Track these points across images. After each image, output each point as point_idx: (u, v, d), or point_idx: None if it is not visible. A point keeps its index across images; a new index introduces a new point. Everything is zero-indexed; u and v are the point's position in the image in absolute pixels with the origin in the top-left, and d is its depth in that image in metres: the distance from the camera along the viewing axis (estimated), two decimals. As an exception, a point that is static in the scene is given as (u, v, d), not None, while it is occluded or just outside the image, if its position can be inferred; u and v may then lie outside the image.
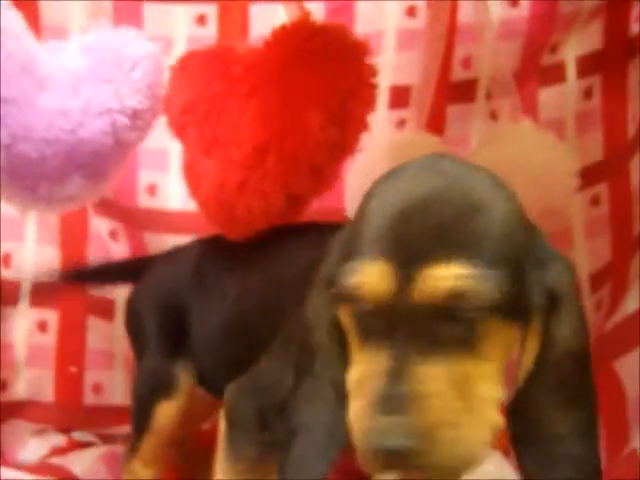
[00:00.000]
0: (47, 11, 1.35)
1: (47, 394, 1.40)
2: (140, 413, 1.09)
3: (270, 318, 0.91)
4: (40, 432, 1.39)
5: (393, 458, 0.63)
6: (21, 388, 1.40)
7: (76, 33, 1.34)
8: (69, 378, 1.40)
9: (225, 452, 0.91)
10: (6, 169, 0.92)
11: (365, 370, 0.66)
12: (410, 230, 0.65)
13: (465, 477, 0.90)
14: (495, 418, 0.66)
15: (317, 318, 0.74)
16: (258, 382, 0.88)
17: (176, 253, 1.17)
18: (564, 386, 0.69)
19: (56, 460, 1.31)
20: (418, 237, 0.65)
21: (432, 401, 0.63)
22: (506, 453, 1.27)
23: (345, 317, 0.70)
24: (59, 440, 1.37)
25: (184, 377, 1.06)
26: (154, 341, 1.09)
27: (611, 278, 1.35)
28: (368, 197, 0.71)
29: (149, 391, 1.08)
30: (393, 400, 0.63)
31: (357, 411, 0.66)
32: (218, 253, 1.10)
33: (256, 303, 0.98)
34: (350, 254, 0.68)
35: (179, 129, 1.07)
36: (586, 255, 1.37)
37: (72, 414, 1.40)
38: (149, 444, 1.08)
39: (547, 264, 0.69)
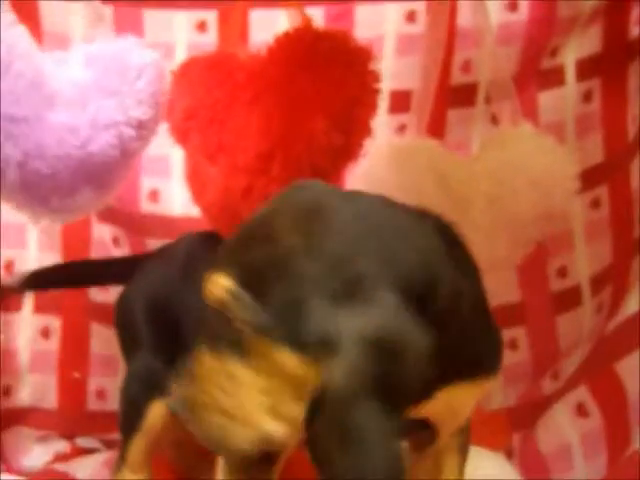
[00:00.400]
0: (48, 17, 1.34)
1: (50, 400, 1.40)
2: (131, 413, 1.06)
3: None
4: (43, 438, 1.38)
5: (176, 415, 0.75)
6: (24, 394, 1.40)
7: (77, 39, 1.33)
8: (72, 384, 1.40)
9: None
10: (18, 185, 0.93)
11: None
12: (224, 246, 0.76)
13: (468, 478, 0.92)
14: (258, 422, 0.70)
15: None
16: None
17: (165, 250, 1.15)
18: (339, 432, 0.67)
19: (60, 466, 1.31)
20: (223, 252, 0.75)
21: (203, 383, 0.73)
22: (508, 454, 1.29)
23: None
24: (63, 446, 1.37)
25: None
26: (146, 339, 1.07)
27: (612, 280, 1.35)
28: None
29: (141, 390, 1.05)
30: (181, 370, 0.75)
31: None
32: (207, 249, 1.07)
33: None
34: None
35: (182, 135, 1.07)
36: (587, 258, 1.37)
37: (76, 420, 1.40)
38: (138, 447, 1.06)
39: (338, 306, 0.68)
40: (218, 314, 0.72)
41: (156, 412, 1.04)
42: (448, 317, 0.72)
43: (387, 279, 0.68)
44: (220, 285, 0.71)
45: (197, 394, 0.73)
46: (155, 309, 1.08)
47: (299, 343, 0.68)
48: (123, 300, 1.14)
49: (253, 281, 0.70)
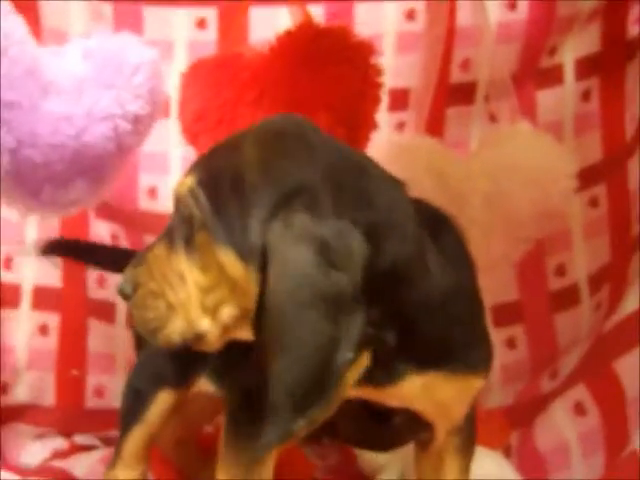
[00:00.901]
0: (48, 14, 1.34)
1: (48, 397, 1.39)
2: (134, 403, 1.04)
3: None
4: (41, 435, 1.37)
5: (124, 300, 0.80)
6: (22, 391, 1.39)
7: (77, 36, 1.31)
8: (70, 381, 1.39)
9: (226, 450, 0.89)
10: (10, 173, 0.91)
11: None
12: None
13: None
14: (195, 319, 0.75)
15: None
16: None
17: None
18: (275, 333, 0.70)
19: (58, 463, 1.29)
20: (198, 159, 0.80)
21: (154, 272, 0.77)
22: (506, 453, 1.28)
23: None
24: (60, 443, 1.36)
25: (192, 368, 1.03)
26: None
27: (610, 279, 1.35)
28: None
29: (148, 379, 1.04)
30: (137, 259, 0.80)
31: None
32: None
33: None
34: None
35: (192, 137, 1.08)
36: (585, 256, 1.37)
37: (74, 417, 1.39)
38: (136, 439, 1.04)
39: (279, 212, 0.71)
40: (178, 212, 0.77)
41: (160, 403, 1.03)
42: (392, 281, 0.72)
43: (329, 196, 0.71)
44: (184, 184, 0.76)
45: (147, 280, 0.78)
46: None
47: (241, 249, 0.71)
48: None
49: (211, 184, 0.74)
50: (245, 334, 0.75)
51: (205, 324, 0.75)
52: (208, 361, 1.00)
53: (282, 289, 0.69)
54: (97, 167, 0.95)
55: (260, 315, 0.71)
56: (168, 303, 0.76)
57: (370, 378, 0.75)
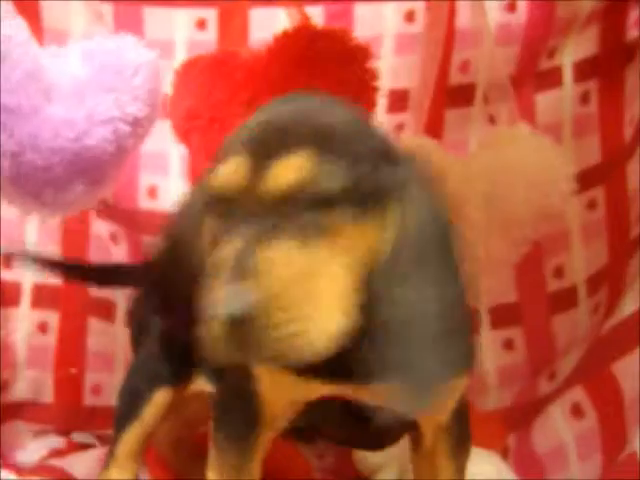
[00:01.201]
0: (48, 14, 1.34)
1: (47, 395, 1.39)
2: (131, 401, 1.03)
3: None
4: (39, 433, 1.37)
5: (233, 327, 0.63)
6: (21, 389, 1.38)
7: (77, 36, 1.33)
8: (69, 379, 1.38)
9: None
10: (11, 177, 0.92)
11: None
12: (269, 132, 0.70)
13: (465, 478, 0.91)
14: (339, 317, 0.67)
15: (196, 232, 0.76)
16: None
17: None
18: (418, 269, 0.70)
19: (55, 462, 1.28)
20: (274, 136, 0.70)
21: (277, 277, 0.64)
22: (504, 454, 1.28)
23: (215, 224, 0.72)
24: (58, 442, 1.36)
25: (189, 366, 1.02)
26: (157, 329, 1.03)
27: (608, 281, 1.34)
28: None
29: (146, 377, 1.03)
30: (237, 272, 0.64)
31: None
32: None
33: None
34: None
35: (184, 134, 1.07)
36: (583, 258, 1.36)
37: (72, 415, 1.39)
38: (131, 438, 1.03)
39: (400, 162, 0.73)
40: (287, 202, 0.67)
41: (157, 401, 1.02)
42: None
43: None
44: (291, 166, 0.68)
45: (270, 294, 0.64)
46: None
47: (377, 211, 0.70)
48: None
49: (329, 151, 0.68)
50: None
51: (342, 320, 0.67)
52: (205, 360, 1.00)
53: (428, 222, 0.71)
54: (97, 169, 0.96)
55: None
56: (306, 309, 0.65)
57: (349, 375, 0.73)
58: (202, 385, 1.03)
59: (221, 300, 0.64)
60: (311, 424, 0.87)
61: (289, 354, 0.65)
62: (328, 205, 0.67)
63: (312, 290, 0.66)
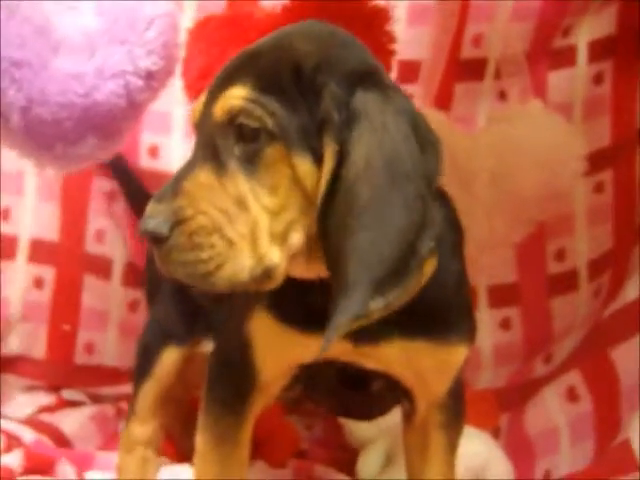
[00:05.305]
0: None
1: (39, 350, 1.32)
2: (145, 358, 1.02)
3: None
4: (30, 389, 1.31)
5: (153, 242, 0.64)
6: (14, 343, 1.32)
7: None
8: (62, 336, 1.32)
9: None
10: (22, 130, 0.89)
11: None
12: (229, 66, 0.70)
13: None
14: (265, 251, 0.64)
15: None
16: None
17: None
18: (359, 206, 0.63)
19: (45, 417, 1.23)
20: (230, 70, 0.69)
21: (198, 201, 0.64)
22: (495, 434, 1.22)
23: None
24: (48, 399, 1.29)
25: (197, 326, 1.00)
26: (168, 288, 1.01)
27: (611, 266, 1.27)
28: None
29: (157, 335, 1.01)
30: (164, 193, 0.65)
31: None
32: None
33: None
34: None
35: (195, 94, 1.01)
36: (587, 242, 1.29)
37: (63, 372, 1.32)
38: (148, 394, 1.02)
39: (357, 88, 0.66)
40: (225, 131, 0.66)
41: (169, 358, 1.01)
42: None
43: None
44: (232, 96, 0.66)
45: (193, 214, 0.64)
46: None
47: (315, 150, 0.65)
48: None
49: (272, 87, 0.65)
50: (299, 270, 0.67)
51: (276, 256, 0.64)
52: (213, 321, 0.96)
53: (378, 160, 0.63)
54: (108, 123, 0.93)
55: (326, 214, 0.63)
56: (226, 238, 0.64)
57: (352, 335, 0.69)
58: (208, 347, 0.99)
59: (145, 216, 0.64)
60: (303, 393, 0.83)
61: (197, 280, 0.64)
62: (257, 137, 0.65)
63: (230, 220, 0.64)
